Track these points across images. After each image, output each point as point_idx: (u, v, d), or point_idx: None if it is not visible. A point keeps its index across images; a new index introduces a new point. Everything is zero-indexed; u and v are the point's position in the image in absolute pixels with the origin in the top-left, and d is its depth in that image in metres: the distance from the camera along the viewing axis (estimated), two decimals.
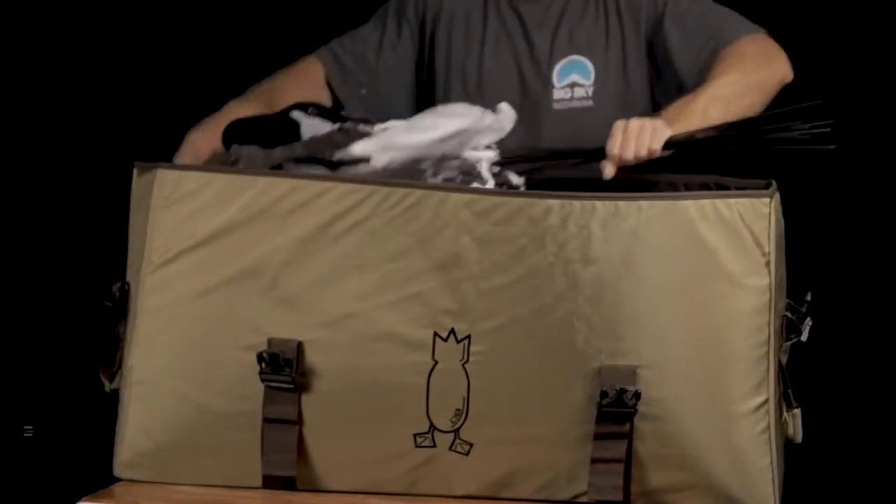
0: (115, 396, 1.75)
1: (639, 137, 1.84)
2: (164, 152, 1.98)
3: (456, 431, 1.66)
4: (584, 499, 1.66)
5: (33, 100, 2.67)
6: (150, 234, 1.68)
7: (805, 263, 1.83)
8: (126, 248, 1.78)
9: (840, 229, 2.61)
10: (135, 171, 1.76)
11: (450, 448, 1.67)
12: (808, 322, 1.70)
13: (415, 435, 1.67)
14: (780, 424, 1.69)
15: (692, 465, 1.64)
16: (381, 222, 1.66)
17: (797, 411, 1.72)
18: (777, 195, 1.68)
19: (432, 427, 1.66)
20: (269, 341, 1.66)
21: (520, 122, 1.88)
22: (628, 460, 1.64)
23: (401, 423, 1.66)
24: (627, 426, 1.63)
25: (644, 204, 1.65)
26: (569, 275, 1.64)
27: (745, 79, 2.02)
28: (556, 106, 2.12)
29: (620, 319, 1.64)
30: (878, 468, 2.54)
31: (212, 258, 1.67)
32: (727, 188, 1.78)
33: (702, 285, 1.64)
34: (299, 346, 1.66)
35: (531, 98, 2.15)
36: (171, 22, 2.74)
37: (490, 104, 1.88)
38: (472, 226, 1.65)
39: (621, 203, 1.65)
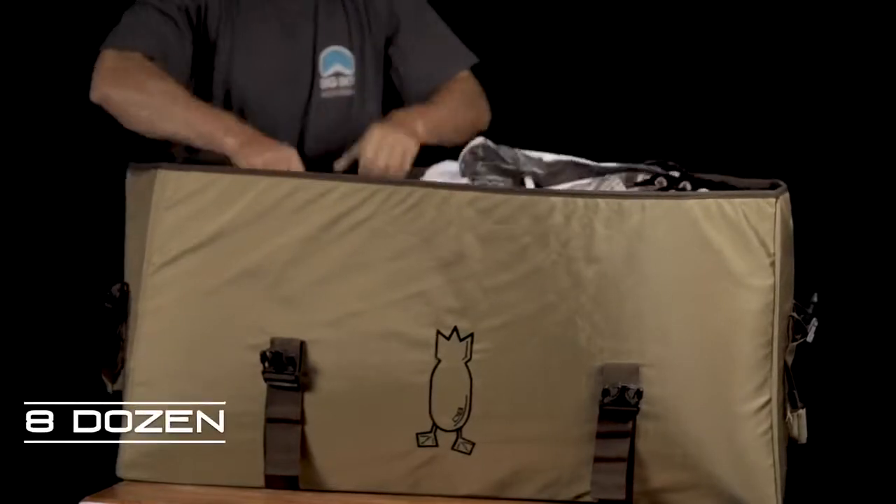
0: (117, 396, 1.75)
1: (392, 152, 1.89)
2: (159, 153, 1.98)
3: (458, 430, 1.66)
4: (587, 498, 1.66)
5: (32, 102, 2.66)
6: (151, 235, 1.68)
7: (814, 264, 1.83)
8: (122, 248, 1.78)
9: (850, 230, 2.61)
10: (129, 172, 1.76)
11: (452, 447, 1.67)
12: (815, 323, 1.70)
13: (417, 434, 1.66)
14: (784, 425, 1.69)
15: (694, 464, 1.64)
16: (384, 221, 1.66)
17: (802, 412, 1.72)
18: (784, 196, 1.68)
19: (435, 426, 1.66)
20: (272, 340, 1.66)
21: (286, 108, 2.00)
22: (631, 459, 1.64)
23: (403, 423, 1.66)
24: (630, 425, 1.63)
25: (648, 203, 1.65)
26: (572, 273, 1.64)
27: (457, 113, 2.07)
28: (324, 94, 2.11)
29: (623, 318, 1.64)
30: (883, 469, 2.54)
31: (214, 258, 1.67)
32: (733, 188, 1.78)
33: (706, 285, 1.64)
34: (302, 346, 1.65)
35: (299, 86, 2.11)
36: None
37: (263, 94, 2.00)
38: (475, 224, 1.65)
39: (625, 202, 1.65)
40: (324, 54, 2.11)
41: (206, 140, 1.87)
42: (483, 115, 2.12)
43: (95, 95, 1.93)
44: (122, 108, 1.92)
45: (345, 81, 2.11)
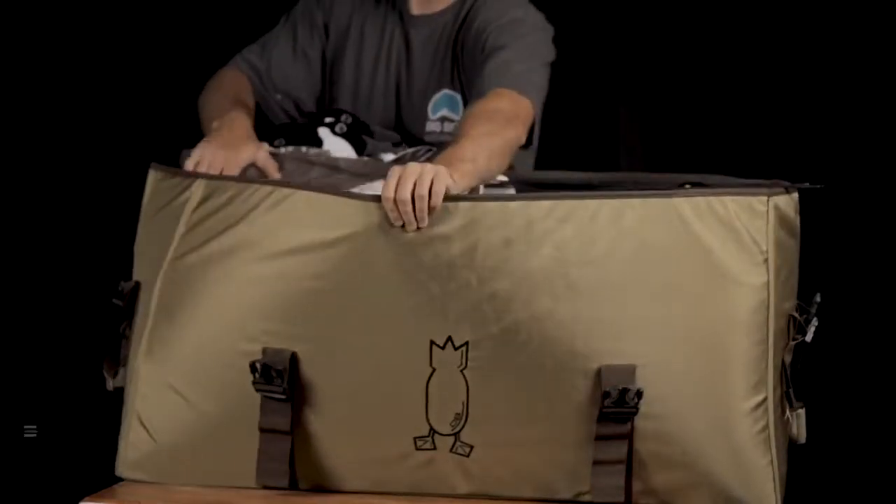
0: (116, 396, 1.75)
1: (420, 179, 1.65)
2: (167, 153, 1.98)
3: (456, 434, 1.66)
4: (585, 497, 1.66)
5: (39, 102, 2.67)
6: (178, 237, 1.70)
7: (816, 264, 1.83)
8: (128, 247, 1.78)
9: (852, 230, 2.61)
10: (152, 173, 1.77)
11: (450, 450, 1.67)
12: (815, 323, 1.70)
13: (415, 438, 1.66)
14: (782, 423, 1.68)
15: (692, 463, 1.64)
16: (376, 232, 1.65)
17: (801, 411, 1.72)
18: (784, 196, 1.68)
19: (432, 430, 1.66)
20: (264, 350, 1.66)
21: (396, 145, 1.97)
22: (630, 459, 1.64)
23: (400, 428, 1.66)
24: (628, 426, 1.63)
25: (638, 203, 1.64)
26: (566, 276, 1.63)
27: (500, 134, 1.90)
28: (427, 138, 2.12)
29: (618, 319, 1.63)
30: (883, 469, 2.54)
31: (227, 265, 1.68)
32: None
33: (698, 283, 1.64)
34: (293, 357, 1.65)
35: (406, 125, 2.15)
36: (177, 23, 2.74)
37: (371, 123, 2.02)
38: (467, 231, 1.64)
39: (616, 202, 1.65)
40: (435, 98, 2.11)
41: (206, 126, 1.99)
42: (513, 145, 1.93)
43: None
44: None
45: (449, 127, 2.10)
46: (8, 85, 2.65)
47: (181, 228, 1.71)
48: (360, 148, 1.98)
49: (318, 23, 2.20)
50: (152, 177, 1.79)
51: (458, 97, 2.12)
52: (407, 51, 2.16)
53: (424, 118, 2.13)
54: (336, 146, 1.97)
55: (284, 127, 2.10)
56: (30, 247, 2.65)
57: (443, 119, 2.12)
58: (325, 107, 2.17)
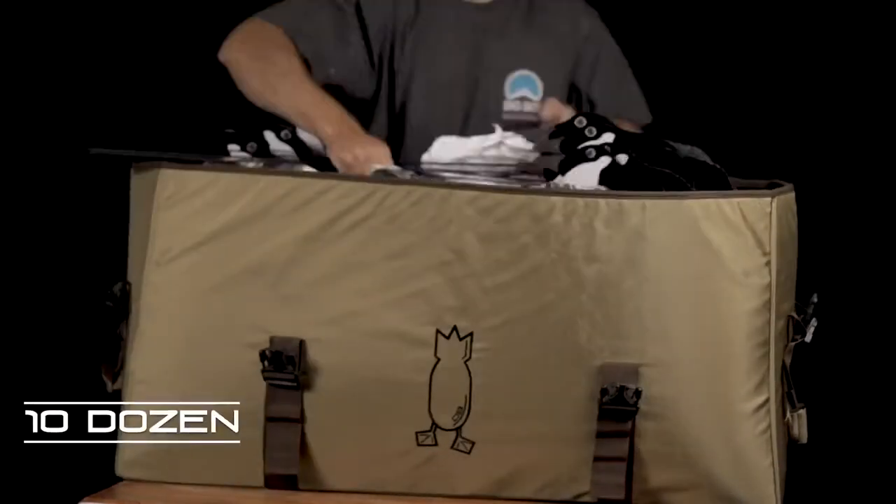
0: (116, 396, 1.75)
1: None
2: (162, 150, 1.98)
3: (458, 429, 1.66)
4: (586, 497, 1.66)
5: (34, 100, 2.67)
6: (153, 234, 1.68)
7: (815, 264, 1.83)
8: (125, 248, 1.78)
9: (852, 230, 2.61)
10: (133, 171, 1.76)
11: (451, 447, 1.67)
12: (814, 323, 1.70)
13: (417, 433, 1.66)
14: (783, 425, 1.69)
15: (693, 464, 1.64)
16: (384, 220, 1.66)
17: (802, 412, 1.72)
18: (785, 196, 1.68)
19: (434, 425, 1.66)
20: (272, 339, 1.65)
21: (470, 130, 2.00)
22: (630, 458, 1.64)
23: (403, 421, 1.66)
24: (629, 424, 1.63)
25: (648, 203, 1.65)
26: (572, 272, 1.64)
27: None
28: (507, 117, 2.15)
29: (623, 317, 1.64)
30: (883, 469, 2.54)
31: (214, 257, 1.67)
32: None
33: (705, 284, 1.64)
34: (302, 344, 1.65)
35: (481, 107, 2.19)
36: (172, 22, 2.74)
37: (444, 110, 2.04)
38: (475, 223, 1.65)
39: (625, 201, 1.65)
40: (511, 78, 2.17)
41: (305, 121, 1.97)
42: None
43: (222, 55, 2.10)
44: (240, 72, 2.06)
45: (529, 107, 2.16)
46: (7, 85, 2.65)
47: (154, 224, 1.69)
48: (304, 154, 1.97)
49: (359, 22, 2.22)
50: (133, 173, 1.76)
51: (536, 77, 2.19)
52: (476, 34, 2.22)
53: (500, 97, 2.19)
54: (281, 150, 1.97)
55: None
56: (30, 245, 2.65)
57: (522, 99, 2.18)
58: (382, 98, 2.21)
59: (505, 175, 1.89)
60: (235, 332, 1.67)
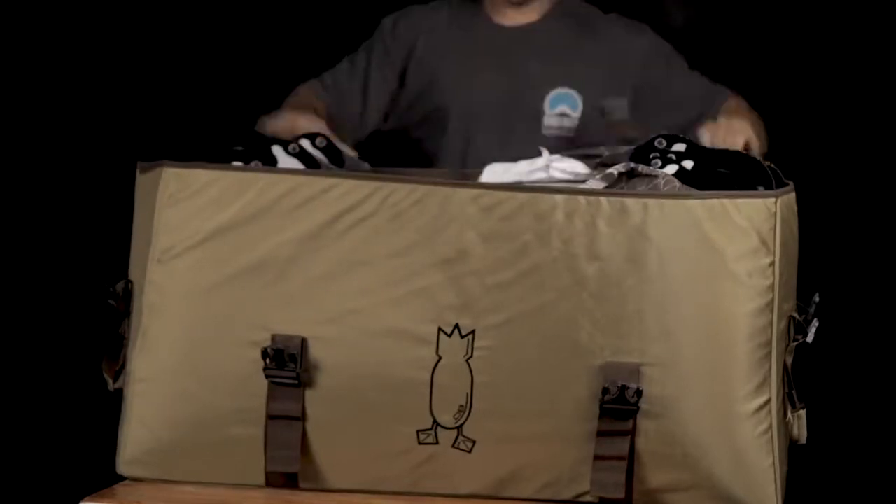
0: (117, 395, 1.75)
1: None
2: (166, 150, 1.98)
3: (459, 428, 1.66)
4: (586, 497, 1.66)
5: (36, 99, 2.67)
6: (155, 232, 1.68)
7: (815, 264, 1.83)
8: (128, 247, 1.78)
9: (852, 230, 2.62)
10: (138, 170, 1.76)
11: (452, 445, 1.67)
12: (815, 324, 1.70)
13: (418, 431, 1.66)
14: (784, 425, 1.69)
15: (694, 464, 1.64)
16: (386, 218, 1.66)
17: (802, 412, 1.72)
18: (787, 196, 1.68)
19: (435, 423, 1.66)
20: (273, 337, 1.65)
21: (509, 146, 2.04)
22: (631, 458, 1.64)
23: (404, 420, 1.66)
24: (630, 423, 1.63)
25: (651, 202, 1.65)
26: (574, 271, 1.64)
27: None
28: (546, 132, 2.19)
29: (625, 316, 1.64)
30: (884, 469, 2.54)
31: (216, 255, 1.67)
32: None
33: (707, 284, 1.64)
34: (303, 342, 1.65)
35: (521, 123, 2.23)
36: (173, 22, 2.75)
37: (483, 128, 2.11)
38: (477, 221, 1.65)
39: (628, 200, 1.65)
40: (551, 95, 2.26)
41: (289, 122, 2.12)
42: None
43: None
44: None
45: (568, 123, 2.23)
46: (8, 85, 2.66)
47: (156, 222, 1.69)
48: (313, 168, 1.99)
49: (394, 56, 2.37)
50: (138, 173, 1.77)
51: (576, 94, 2.27)
52: (515, 55, 2.32)
53: (540, 113, 2.27)
54: (289, 165, 1.97)
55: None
56: (30, 244, 2.65)
57: (561, 114, 2.25)
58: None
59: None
60: (237, 329, 1.66)
